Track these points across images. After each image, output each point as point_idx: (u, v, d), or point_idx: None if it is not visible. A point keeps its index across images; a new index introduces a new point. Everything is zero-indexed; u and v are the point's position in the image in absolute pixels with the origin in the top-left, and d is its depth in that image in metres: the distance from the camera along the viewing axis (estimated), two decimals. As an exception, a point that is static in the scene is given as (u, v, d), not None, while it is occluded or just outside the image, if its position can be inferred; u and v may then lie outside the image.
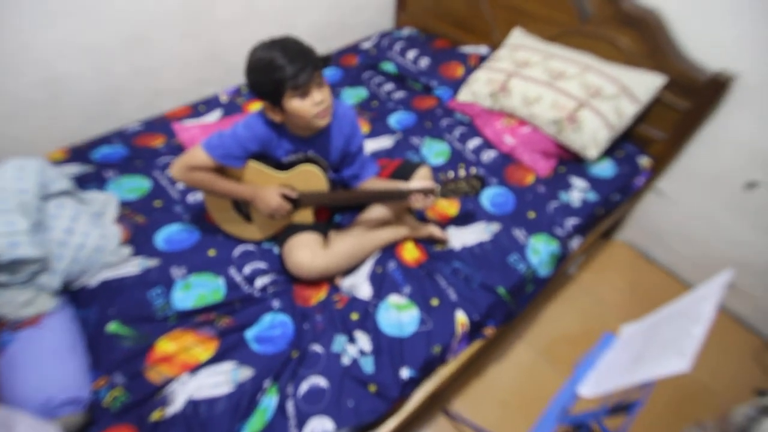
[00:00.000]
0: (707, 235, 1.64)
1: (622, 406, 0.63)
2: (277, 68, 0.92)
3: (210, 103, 1.76)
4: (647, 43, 1.44)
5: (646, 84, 1.44)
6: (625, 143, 1.62)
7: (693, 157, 1.54)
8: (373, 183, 1.26)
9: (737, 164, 1.44)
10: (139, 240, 1.25)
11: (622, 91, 1.44)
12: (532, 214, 1.38)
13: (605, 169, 1.54)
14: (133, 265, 1.18)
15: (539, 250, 1.29)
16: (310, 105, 0.99)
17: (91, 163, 1.47)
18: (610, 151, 1.57)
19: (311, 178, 1.15)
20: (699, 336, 0.57)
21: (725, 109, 1.39)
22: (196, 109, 1.73)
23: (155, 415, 0.93)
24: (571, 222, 1.38)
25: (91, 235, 1.14)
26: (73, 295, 1.14)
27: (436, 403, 1.42)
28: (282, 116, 1.03)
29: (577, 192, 1.46)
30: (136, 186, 1.41)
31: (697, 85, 1.37)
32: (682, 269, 1.81)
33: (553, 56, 1.57)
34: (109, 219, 1.26)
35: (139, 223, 1.29)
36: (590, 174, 1.53)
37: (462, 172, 1.12)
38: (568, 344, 1.61)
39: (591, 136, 1.44)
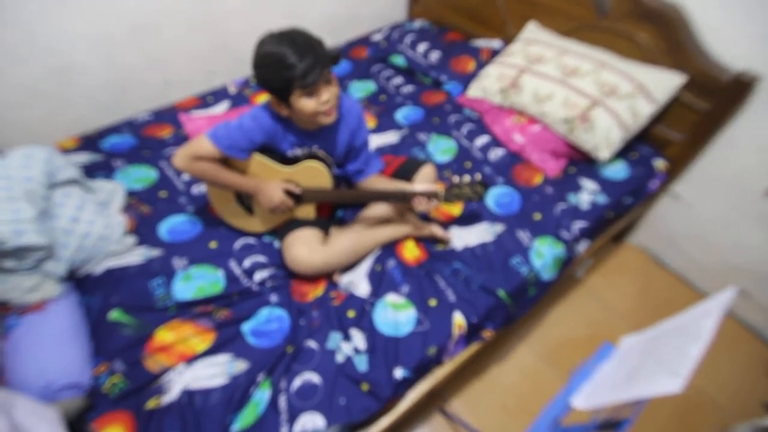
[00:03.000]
0: (724, 242, 1.58)
1: (611, 423, 0.61)
2: (287, 66, 0.90)
3: (218, 95, 1.76)
4: (667, 39, 1.37)
5: (664, 83, 1.37)
6: (640, 145, 1.56)
7: (712, 161, 1.47)
8: (377, 181, 1.24)
9: (758, 169, 1.37)
10: (143, 230, 1.27)
11: (639, 89, 1.38)
12: (537, 216, 1.34)
13: (618, 171, 1.49)
14: (137, 255, 1.20)
15: (543, 253, 1.26)
16: (316, 103, 0.98)
17: (100, 152, 1.49)
18: (623, 153, 1.52)
19: (315, 174, 1.14)
20: (696, 356, 0.54)
21: (748, 111, 1.32)
22: (205, 100, 1.74)
23: (151, 403, 0.95)
24: (579, 225, 1.34)
25: (96, 224, 1.17)
26: (78, 282, 1.16)
27: (434, 401, 1.42)
28: (288, 111, 1.02)
29: (587, 194, 1.42)
30: (142, 176, 1.43)
31: (719, 85, 1.30)
32: (696, 276, 1.75)
33: (568, 52, 1.52)
34: (116, 208, 1.28)
35: (144, 213, 1.31)
36: (601, 176, 1.48)
37: (466, 178, 1.12)
38: (572, 349, 1.58)
39: (603, 137, 1.39)
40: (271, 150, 1.14)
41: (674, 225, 1.71)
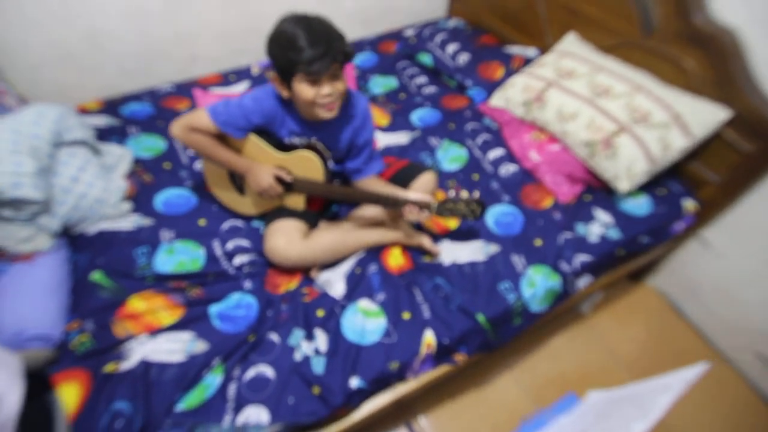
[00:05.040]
0: (750, 299, 1.41)
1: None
2: (296, 48, 0.89)
3: (241, 74, 1.78)
4: (716, 68, 1.23)
5: (705, 116, 1.23)
6: (671, 180, 1.41)
7: (749, 209, 1.31)
8: (373, 183, 1.21)
9: (803, 227, 1.21)
10: (141, 198, 1.30)
11: (675, 120, 1.25)
12: (538, 242, 1.25)
13: (639, 206, 1.36)
14: (129, 221, 1.23)
15: (536, 283, 1.17)
16: (314, 94, 0.96)
17: (119, 117, 1.54)
18: (650, 187, 1.38)
19: (308, 165, 1.12)
20: (636, 437, 0.47)
21: (799, 159, 1.16)
22: (227, 78, 1.76)
23: (109, 367, 0.96)
24: (581, 258, 1.24)
25: (94, 187, 1.20)
26: (72, 239, 1.21)
27: (402, 414, 1.37)
28: (289, 93, 1.01)
29: (598, 226, 1.31)
30: (152, 145, 1.46)
31: (768, 126, 1.15)
32: (714, 331, 1.58)
33: (603, 69, 1.39)
34: (120, 173, 1.32)
35: (145, 182, 1.34)
36: (619, 209, 1.35)
37: (464, 194, 1.06)
38: (561, 388, 1.47)
39: (625, 167, 1.27)
40: (269, 133, 1.13)
41: (699, 273, 1.55)
